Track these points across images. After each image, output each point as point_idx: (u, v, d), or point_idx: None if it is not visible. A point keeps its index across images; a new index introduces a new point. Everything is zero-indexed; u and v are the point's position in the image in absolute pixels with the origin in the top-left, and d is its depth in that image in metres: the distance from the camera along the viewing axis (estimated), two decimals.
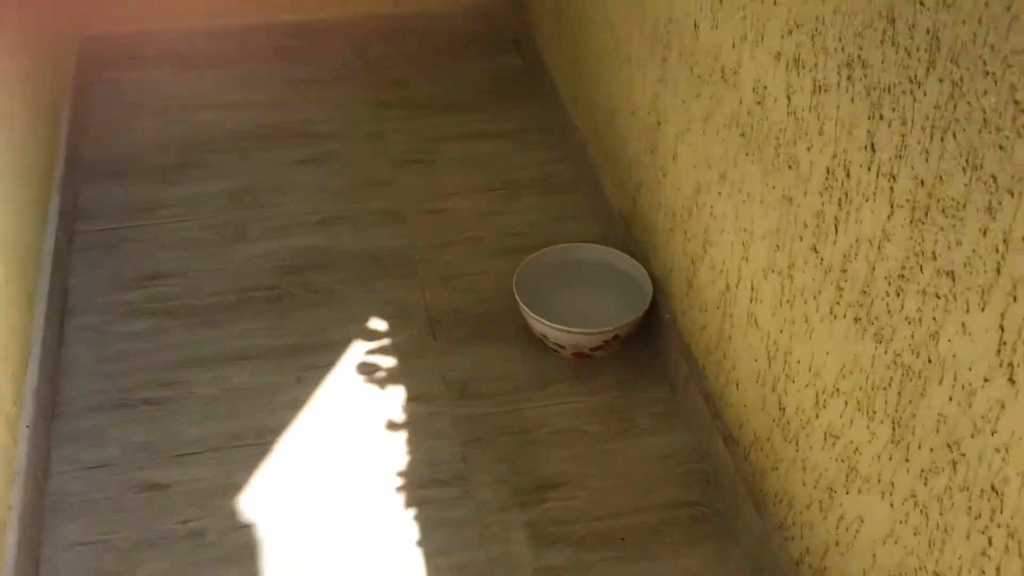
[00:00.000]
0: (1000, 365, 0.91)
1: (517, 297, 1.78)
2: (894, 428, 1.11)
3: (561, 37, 2.29)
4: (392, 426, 1.71)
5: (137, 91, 2.48)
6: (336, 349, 1.84)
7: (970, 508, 0.99)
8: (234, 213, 2.14)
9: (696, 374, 1.67)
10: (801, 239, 1.27)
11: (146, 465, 1.64)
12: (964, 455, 0.99)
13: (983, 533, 0.97)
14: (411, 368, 1.81)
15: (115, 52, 2.51)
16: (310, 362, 1.82)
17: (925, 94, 0.98)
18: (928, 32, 0.96)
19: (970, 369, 0.96)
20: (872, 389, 1.15)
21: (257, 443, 1.68)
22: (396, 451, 1.67)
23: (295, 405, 1.74)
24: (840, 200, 1.16)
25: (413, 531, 1.56)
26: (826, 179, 1.19)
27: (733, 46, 1.40)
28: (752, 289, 1.44)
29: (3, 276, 1.60)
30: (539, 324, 1.76)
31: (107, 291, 1.95)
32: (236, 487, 1.61)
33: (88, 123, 2.35)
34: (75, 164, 2.19)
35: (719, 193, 1.51)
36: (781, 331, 1.36)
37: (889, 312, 1.09)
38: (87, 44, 2.47)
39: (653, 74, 1.73)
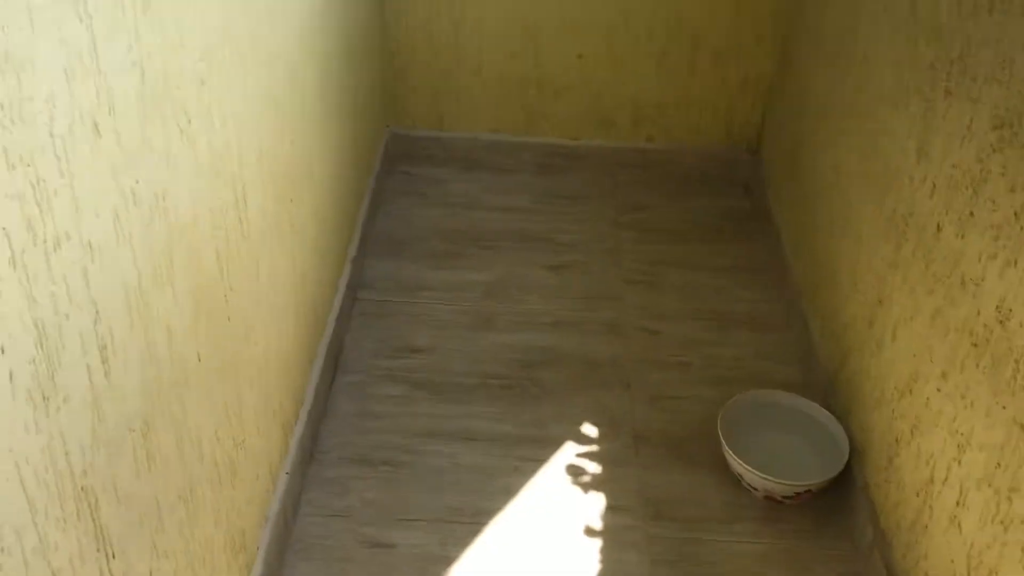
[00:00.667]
0: None
1: (720, 436, 1.57)
2: None
3: (791, 191, 2.08)
4: (589, 532, 1.54)
5: (424, 184, 2.43)
6: (551, 445, 1.70)
7: None
8: (485, 303, 2.03)
9: (881, 544, 1.42)
10: None
11: (375, 522, 1.54)
12: None
13: None
14: (613, 477, 1.64)
15: (413, 149, 2.48)
16: (527, 453, 1.68)
17: None
18: None
19: None
20: None
21: (472, 522, 1.55)
22: (590, 557, 1.50)
23: (509, 492, 1.60)
24: None
25: None
26: None
27: (979, 259, 1.17)
28: (961, 493, 1.19)
29: (294, 342, 1.55)
30: (737, 465, 1.55)
31: (373, 355, 1.88)
32: (449, 559, 1.49)
33: (381, 207, 2.32)
34: (366, 241, 2.15)
35: (938, 389, 1.27)
36: (989, 547, 1.11)
37: None
38: (392, 140, 2.45)
39: (883, 256, 1.50)
